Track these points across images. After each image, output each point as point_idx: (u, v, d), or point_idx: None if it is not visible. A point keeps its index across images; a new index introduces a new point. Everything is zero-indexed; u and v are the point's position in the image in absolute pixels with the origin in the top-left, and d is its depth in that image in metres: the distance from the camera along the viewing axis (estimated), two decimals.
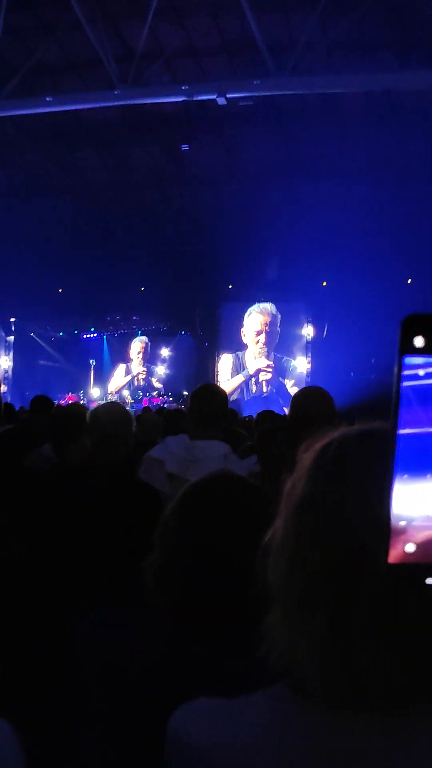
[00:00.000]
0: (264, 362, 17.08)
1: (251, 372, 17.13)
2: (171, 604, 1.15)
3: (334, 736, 0.64)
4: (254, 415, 9.03)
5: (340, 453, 0.69)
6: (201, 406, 2.88)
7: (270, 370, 17.05)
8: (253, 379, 17.20)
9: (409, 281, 14.86)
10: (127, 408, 3.17)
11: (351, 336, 14.11)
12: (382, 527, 0.49)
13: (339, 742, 0.64)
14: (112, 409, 2.56)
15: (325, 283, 15.95)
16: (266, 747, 0.67)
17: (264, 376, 17.12)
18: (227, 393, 3.41)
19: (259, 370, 17.11)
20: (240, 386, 17.18)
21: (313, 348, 16.29)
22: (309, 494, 0.68)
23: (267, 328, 17.09)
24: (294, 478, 0.72)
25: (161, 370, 18.99)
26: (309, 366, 16.85)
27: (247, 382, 17.21)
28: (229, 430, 4.08)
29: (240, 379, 17.21)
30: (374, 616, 0.62)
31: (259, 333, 17.10)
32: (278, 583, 0.69)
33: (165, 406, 15.32)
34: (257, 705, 0.72)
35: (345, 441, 0.71)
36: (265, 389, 17.02)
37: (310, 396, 2.67)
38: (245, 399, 16.57)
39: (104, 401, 15.86)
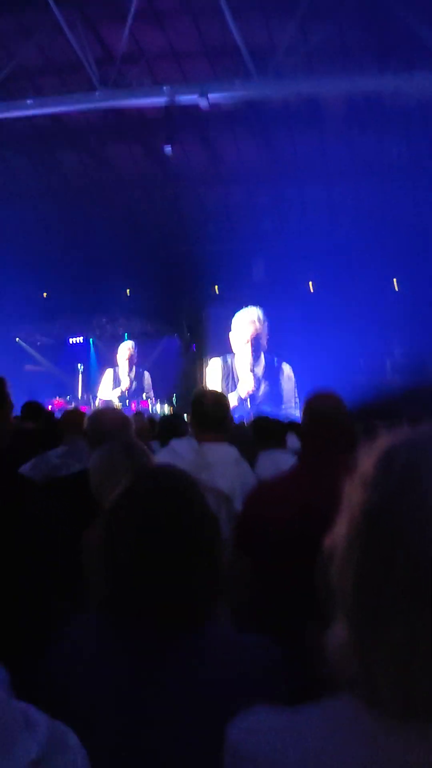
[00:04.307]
0: (251, 384, 16.80)
1: (242, 395, 16.81)
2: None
3: (410, 748, 0.61)
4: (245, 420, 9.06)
5: (411, 459, 0.66)
6: (206, 411, 2.85)
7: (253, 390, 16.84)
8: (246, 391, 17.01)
9: (395, 281, 15.00)
10: None
11: (339, 337, 14.15)
12: None
13: (415, 755, 0.61)
14: (111, 414, 2.56)
15: (311, 284, 16.01)
16: (339, 761, 0.64)
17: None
18: None
19: (249, 394, 16.80)
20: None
21: (301, 350, 16.26)
22: (378, 504, 0.65)
23: (254, 334, 16.88)
24: (355, 483, 0.69)
25: (148, 373, 18.89)
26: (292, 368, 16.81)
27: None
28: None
29: (233, 401, 16.79)
30: None
31: (246, 342, 16.91)
32: (346, 595, 0.66)
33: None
34: (324, 716, 0.69)
35: (415, 446, 0.67)
36: (258, 393, 16.79)
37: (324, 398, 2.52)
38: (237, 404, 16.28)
39: (93, 406, 15.82)
